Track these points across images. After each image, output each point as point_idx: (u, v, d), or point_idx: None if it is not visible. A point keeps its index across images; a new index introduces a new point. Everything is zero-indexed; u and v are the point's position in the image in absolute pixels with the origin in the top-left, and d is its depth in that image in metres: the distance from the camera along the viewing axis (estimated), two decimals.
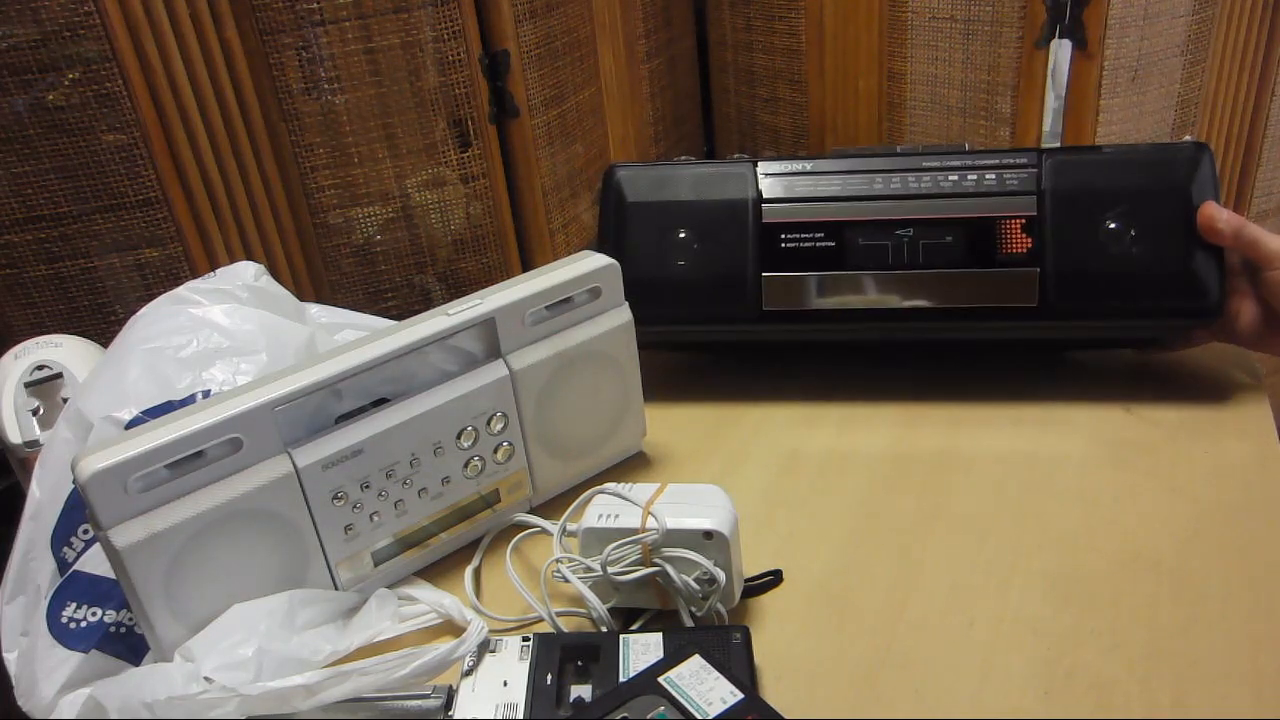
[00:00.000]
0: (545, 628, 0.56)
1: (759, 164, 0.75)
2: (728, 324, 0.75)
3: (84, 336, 0.73)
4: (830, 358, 0.82)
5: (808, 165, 0.74)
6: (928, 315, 0.72)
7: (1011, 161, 0.71)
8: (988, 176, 0.71)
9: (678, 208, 0.75)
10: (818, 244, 0.73)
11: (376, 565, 0.60)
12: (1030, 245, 0.70)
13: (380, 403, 0.58)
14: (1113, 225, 0.68)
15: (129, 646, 0.55)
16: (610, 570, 0.54)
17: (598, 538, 0.55)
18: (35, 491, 0.57)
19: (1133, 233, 0.68)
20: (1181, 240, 0.68)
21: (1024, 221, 0.70)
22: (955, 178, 0.72)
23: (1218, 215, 0.67)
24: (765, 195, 0.74)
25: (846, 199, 0.73)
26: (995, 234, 0.70)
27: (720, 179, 0.75)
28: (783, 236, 0.73)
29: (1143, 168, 0.69)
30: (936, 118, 1.03)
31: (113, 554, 0.50)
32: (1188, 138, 0.71)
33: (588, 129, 1.03)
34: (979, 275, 0.71)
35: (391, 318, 0.69)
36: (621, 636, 0.53)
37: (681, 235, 0.74)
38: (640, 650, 0.52)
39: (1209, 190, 0.68)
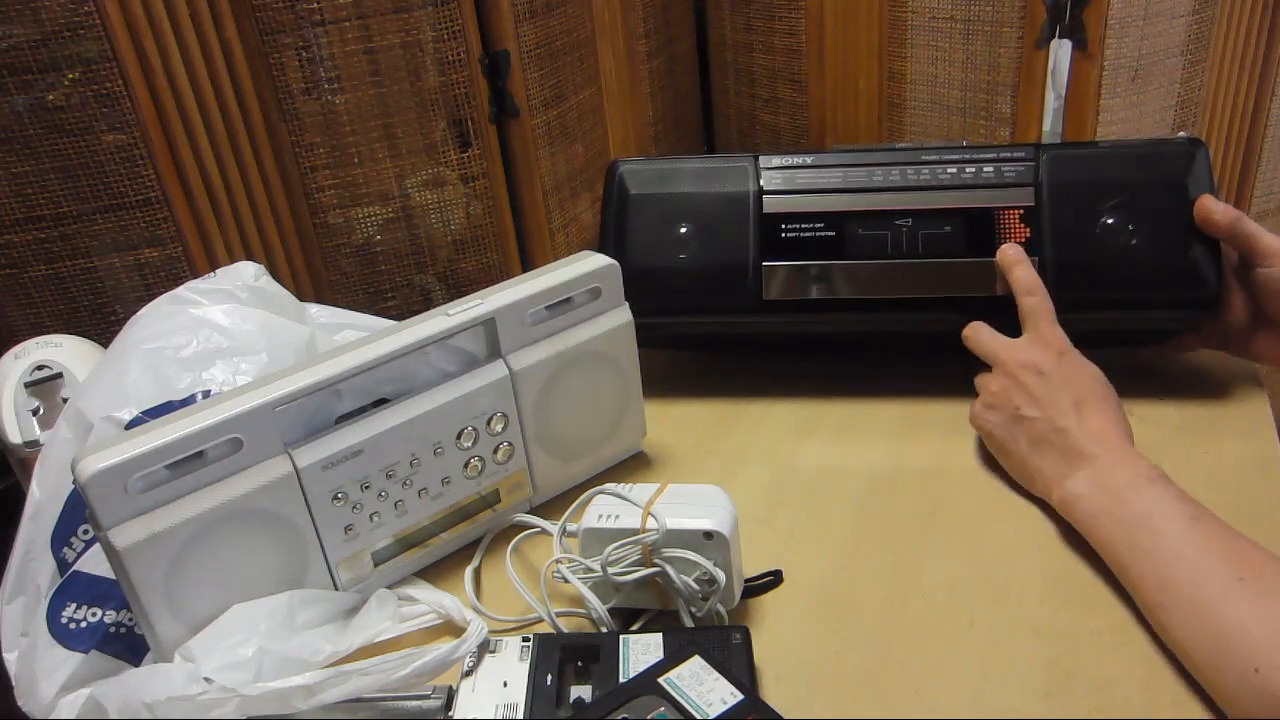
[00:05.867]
0: (545, 628, 0.56)
1: (760, 158, 0.75)
2: (729, 314, 0.75)
3: (84, 336, 0.73)
4: (829, 357, 0.82)
5: (808, 159, 0.75)
6: (927, 305, 0.72)
7: (1009, 155, 0.72)
8: (985, 169, 0.72)
9: (679, 200, 0.75)
10: (818, 234, 0.73)
11: (376, 565, 0.60)
12: (1028, 235, 0.70)
13: (380, 403, 0.58)
14: (1110, 218, 0.69)
15: (129, 647, 0.55)
16: (610, 571, 0.54)
17: (598, 538, 0.55)
18: (35, 491, 0.57)
19: (1130, 225, 0.69)
20: (1178, 232, 0.68)
21: (1022, 212, 0.70)
22: (954, 170, 0.72)
23: (1214, 208, 0.67)
24: (766, 187, 0.74)
25: (846, 190, 0.73)
26: (994, 224, 0.71)
27: (722, 173, 0.75)
28: (783, 226, 0.74)
29: (1138, 161, 0.70)
30: (936, 118, 1.03)
31: (113, 554, 0.50)
32: (1181, 134, 0.72)
33: (588, 129, 1.03)
34: (978, 265, 0.71)
35: (391, 318, 0.69)
36: (622, 637, 0.53)
37: (683, 227, 0.75)
38: (640, 651, 0.52)
39: (1204, 184, 0.69)
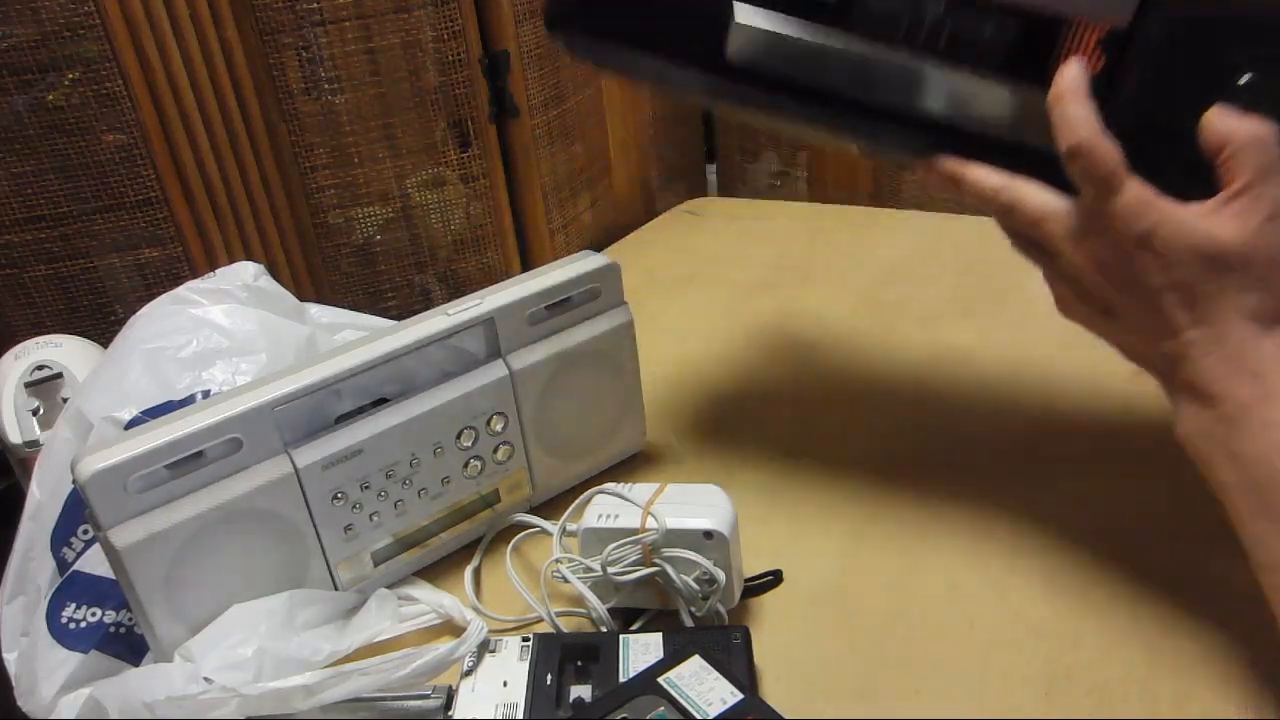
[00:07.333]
0: (545, 628, 0.56)
1: None
2: (680, 63, 0.56)
3: (84, 336, 0.73)
4: (828, 359, 0.82)
5: None
6: (930, 129, 0.51)
7: None
8: None
9: None
10: None
11: (376, 565, 0.60)
12: (1100, 68, 0.46)
13: (380, 403, 0.58)
14: (1240, 80, 0.44)
15: (129, 646, 0.55)
16: (610, 570, 0.54)
17: (598, 538, 0.55)
18: (35, 491, 0.57)
19: (1259, 99, 0.43)
20: None
21: (1103, 33, 0.46)
22: None
23: None
24: None
25: None
26: (1055, 40, 0.47)
27: None
28: None
29: None
30: None
31: (113, 554, 0.50)
32: None
33: (588, 129, 1.04)
34: (1013, 93, 0.49)
35: (391, 318, 0.69)
36: (621, 636, 0.53)
37: None
38: (640, 650, 0.52)
39: None
